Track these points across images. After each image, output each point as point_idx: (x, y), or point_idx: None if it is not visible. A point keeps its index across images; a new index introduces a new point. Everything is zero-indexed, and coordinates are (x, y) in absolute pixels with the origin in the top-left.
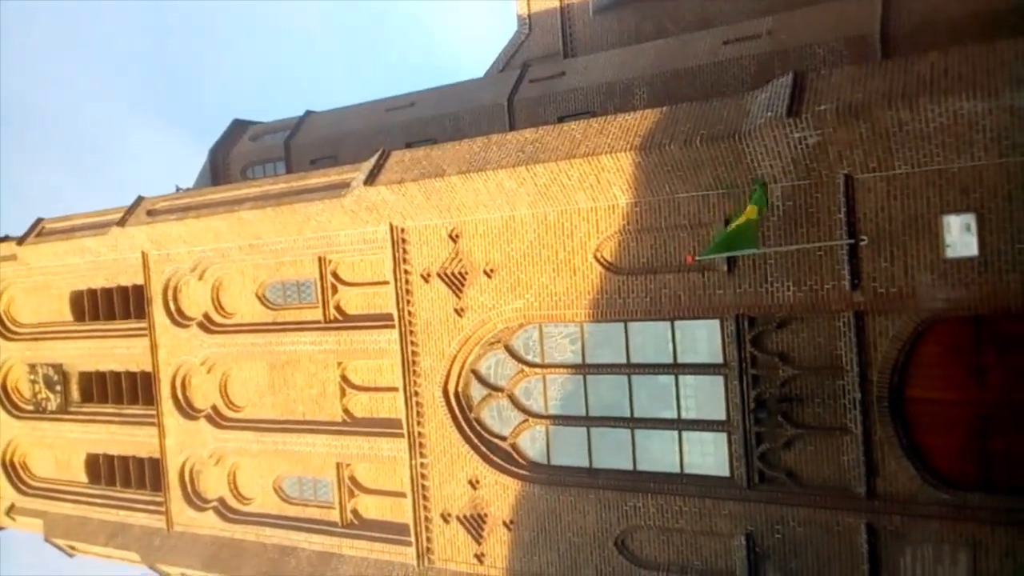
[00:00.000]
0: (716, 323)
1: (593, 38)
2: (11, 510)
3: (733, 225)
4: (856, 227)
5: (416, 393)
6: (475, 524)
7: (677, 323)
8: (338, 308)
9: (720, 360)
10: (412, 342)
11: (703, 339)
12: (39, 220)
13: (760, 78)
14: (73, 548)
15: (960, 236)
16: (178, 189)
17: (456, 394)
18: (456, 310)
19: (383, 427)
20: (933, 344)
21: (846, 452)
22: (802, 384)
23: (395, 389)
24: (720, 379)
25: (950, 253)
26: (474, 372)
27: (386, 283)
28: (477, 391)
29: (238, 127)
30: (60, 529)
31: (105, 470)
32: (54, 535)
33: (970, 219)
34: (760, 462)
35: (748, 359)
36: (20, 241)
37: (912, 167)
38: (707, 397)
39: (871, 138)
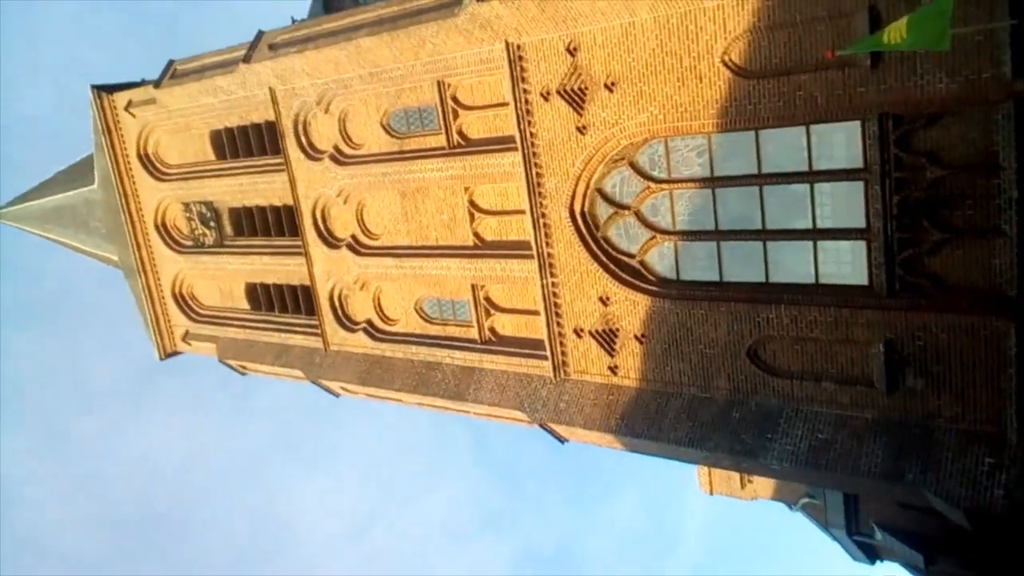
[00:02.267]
0: (856, 125)
1: None
2: (186, 336)
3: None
4: (1021, 5)
5: (543, 215)
6: (607, 338)
7: (813, 128)
8: (460, 133)
9: (860, 164)
10: (536, 164)
11: (841, 143)
12: (171, 62)
13: None
14: (244, 368)
15: None
16: (293, 21)
17: (582, 214)
18: (578, 128)
19: (513, 249)
20: None
21: (998, 255)
22: (951, 185)
23: (522, 212)
24: (859, 185)
25: None
26: (599, 191)
27: (506, 104)
28: (603, 210)
29: None
30: (230, 351)
31: (264, 297)
32: (226, 356)
33: None
34: (902, 269)
35: (892, 161)
36: (156, 84)
37: None
38: (845, 204)
39: None
